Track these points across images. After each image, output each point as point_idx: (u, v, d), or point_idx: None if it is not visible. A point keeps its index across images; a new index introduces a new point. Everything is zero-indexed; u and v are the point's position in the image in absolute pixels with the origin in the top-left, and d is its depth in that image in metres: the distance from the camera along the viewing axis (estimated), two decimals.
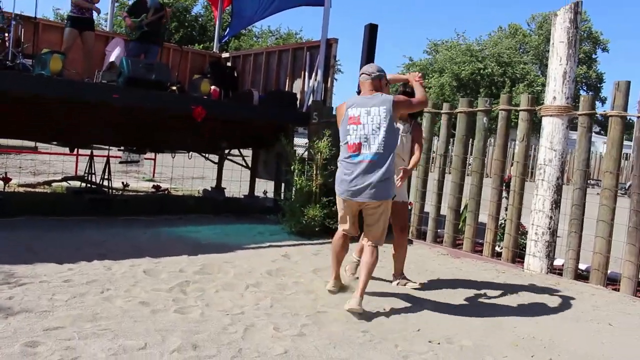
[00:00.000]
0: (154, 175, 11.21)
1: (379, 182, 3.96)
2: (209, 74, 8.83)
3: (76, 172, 9.63)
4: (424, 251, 6.38)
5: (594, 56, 48.37)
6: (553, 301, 4.69)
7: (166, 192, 8.91)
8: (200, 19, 34.04)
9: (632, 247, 5.05)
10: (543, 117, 5.60)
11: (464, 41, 41.33)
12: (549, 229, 5.53)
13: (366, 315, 3.89)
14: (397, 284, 4.78)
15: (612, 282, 5.35)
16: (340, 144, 4.22)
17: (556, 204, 5.53)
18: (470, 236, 6.24)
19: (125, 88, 6.44)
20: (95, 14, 7.63)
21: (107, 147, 7.84)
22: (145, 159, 11.45)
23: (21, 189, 8.15)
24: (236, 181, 9.44)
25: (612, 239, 5.25)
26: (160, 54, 8.16)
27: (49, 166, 12.13)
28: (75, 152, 8.77)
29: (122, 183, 8.52)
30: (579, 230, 5.40)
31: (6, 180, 7.44)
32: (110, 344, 2.98)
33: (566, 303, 4.67)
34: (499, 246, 6.15)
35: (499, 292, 4.83)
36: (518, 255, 5.90)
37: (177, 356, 2.94)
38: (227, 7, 10.14)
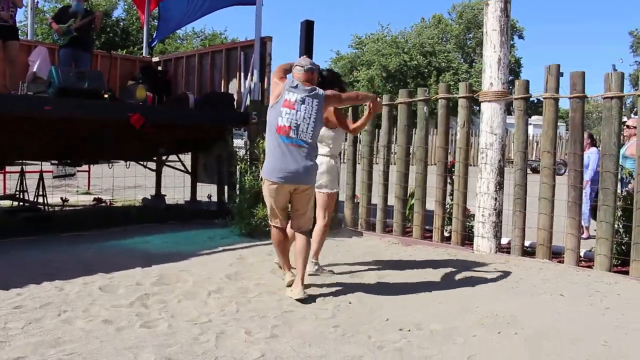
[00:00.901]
0: (89, 188, 10.77)
1: (310, 167, 4.25)
2: (140, 79, 8.58)
3: (4, 190, 9.12)
4: (374, 242, 6.47)
5: (511, 42, 51.18)
6: (506, 279, 4.89)
7: (106, 204, 8.59)
8: (121, 23, 32.90)
9: (572, 221, 5.34)
10: (482, 103, 5.82)
11: (389, 33, 42.10)
12: (495, 210, 5.76)
13: (332, 310, 3.93)
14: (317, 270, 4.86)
15: (556, 255, 5.63)
16: (267, 121, 4.35)
17: (500, 186, 5.76)
18: (419, 223, 6.39)
19: (57, 99, 6.14)
20: (16, 18, 7.23)
21: (39, 162, 7.46)
22: (79, 171, 11.00)
23: None
24: (178, 187, 9.24)
25: (554, 214, 5.53)
26: (91, 61, 7.83)
27: None
28: (2, 169, 8.31)
29: (61, 198, 8.12)
30: (522, 209, 5.65)
31: None
32: None
33: (519, 279, 4.88)
34: (446, 231, 6.33)
35: (455, 275, 4.98)
36: (467, 238, 6.10)
37: None
38: (154, 10, 9.86)
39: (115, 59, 8.98)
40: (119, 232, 6.64)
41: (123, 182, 10.60)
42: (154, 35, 10.18)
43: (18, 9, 7.14)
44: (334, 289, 4.44)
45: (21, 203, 7.89)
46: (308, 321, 3.72)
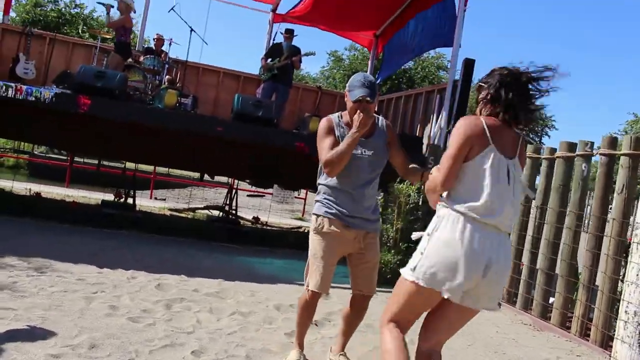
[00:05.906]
0: (303, 214, 11.63)
1: None
2: None
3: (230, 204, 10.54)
4: (502, 318, 5.34)
5: None
6: None
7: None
8: (407, 73, 34.43)
9: None
10: None
11: None
12: None
13: None
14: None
15: None
16: None
17: None
18: (559, 307, 5.10)
19: (229, 122, 6.95)
20: None
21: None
22: (296, 197, 12.08)
23: (168, 213, 9.24)
24: None
25: None
26: (282, 94, 8.55)
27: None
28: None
29: (253, 218, 8.99)
30: None
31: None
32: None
33: None
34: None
35: None
36: (612, 338, 4.61)
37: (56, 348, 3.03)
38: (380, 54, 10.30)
39: (324, 94, 9.65)
40: (262, 252, 7.06)
41: None
42: (377, 76, 10.56)
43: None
44: None
45: (224, 215, 9.07)
46: None
